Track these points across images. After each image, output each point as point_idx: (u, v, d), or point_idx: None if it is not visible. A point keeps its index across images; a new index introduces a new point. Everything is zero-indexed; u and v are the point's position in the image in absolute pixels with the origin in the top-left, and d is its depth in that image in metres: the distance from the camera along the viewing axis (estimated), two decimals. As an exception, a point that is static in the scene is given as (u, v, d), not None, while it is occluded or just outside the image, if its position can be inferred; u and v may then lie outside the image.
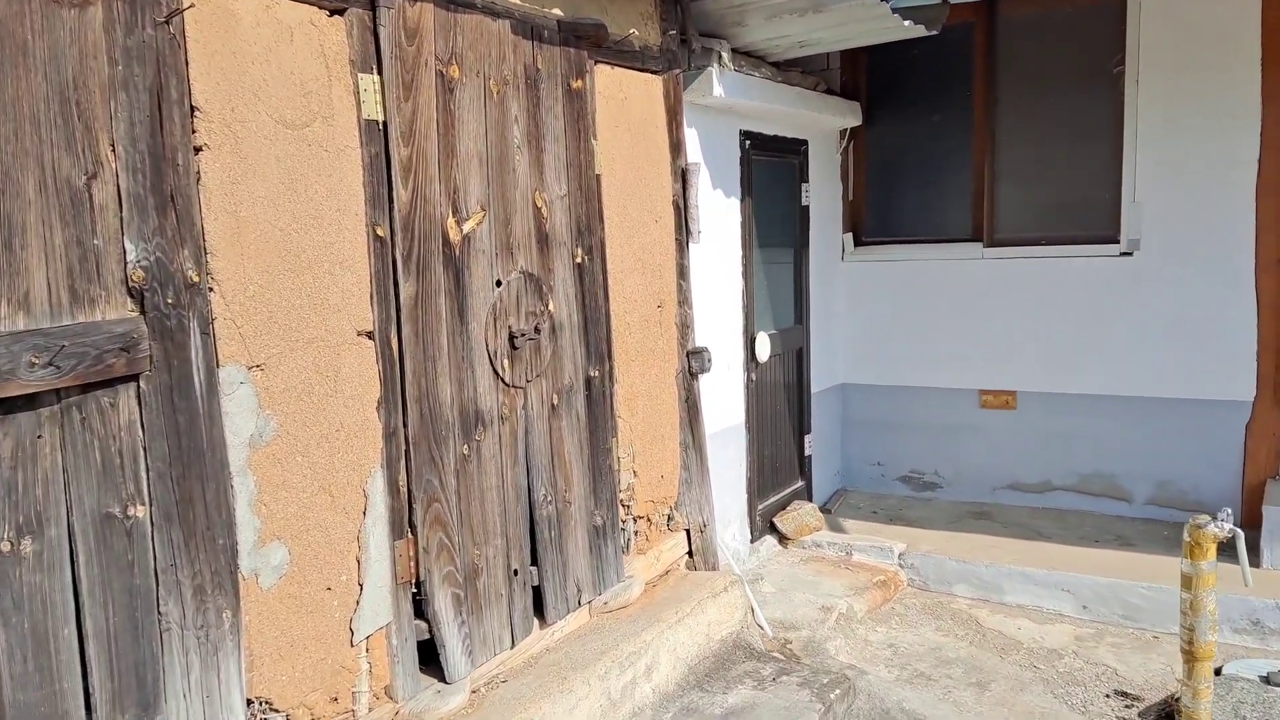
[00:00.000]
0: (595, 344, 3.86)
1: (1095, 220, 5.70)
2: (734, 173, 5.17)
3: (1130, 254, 5.56)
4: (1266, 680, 3.98)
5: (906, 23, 4.76)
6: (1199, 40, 5.25)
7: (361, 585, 2.89)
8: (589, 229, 3.82)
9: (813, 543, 5.65)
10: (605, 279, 3.92)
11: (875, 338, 6.36)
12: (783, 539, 5.65)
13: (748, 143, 5.26)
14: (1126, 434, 5.68)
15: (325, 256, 2.77)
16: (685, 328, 4.45)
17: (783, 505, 5.79)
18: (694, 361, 4.44)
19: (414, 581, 3.08)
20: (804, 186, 5.93)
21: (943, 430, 6.22)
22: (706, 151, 4.89)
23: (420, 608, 3.12)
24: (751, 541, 5.45)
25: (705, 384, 4.66)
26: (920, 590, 5.30)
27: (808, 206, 5.98)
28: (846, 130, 6.30)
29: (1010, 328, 5.92)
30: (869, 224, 6.45)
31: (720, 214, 5.04)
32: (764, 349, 5.43)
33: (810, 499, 6.08)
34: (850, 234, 6.43)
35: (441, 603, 3.15)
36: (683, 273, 4.44)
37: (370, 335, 2.92)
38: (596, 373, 3.86)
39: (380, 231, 2.94)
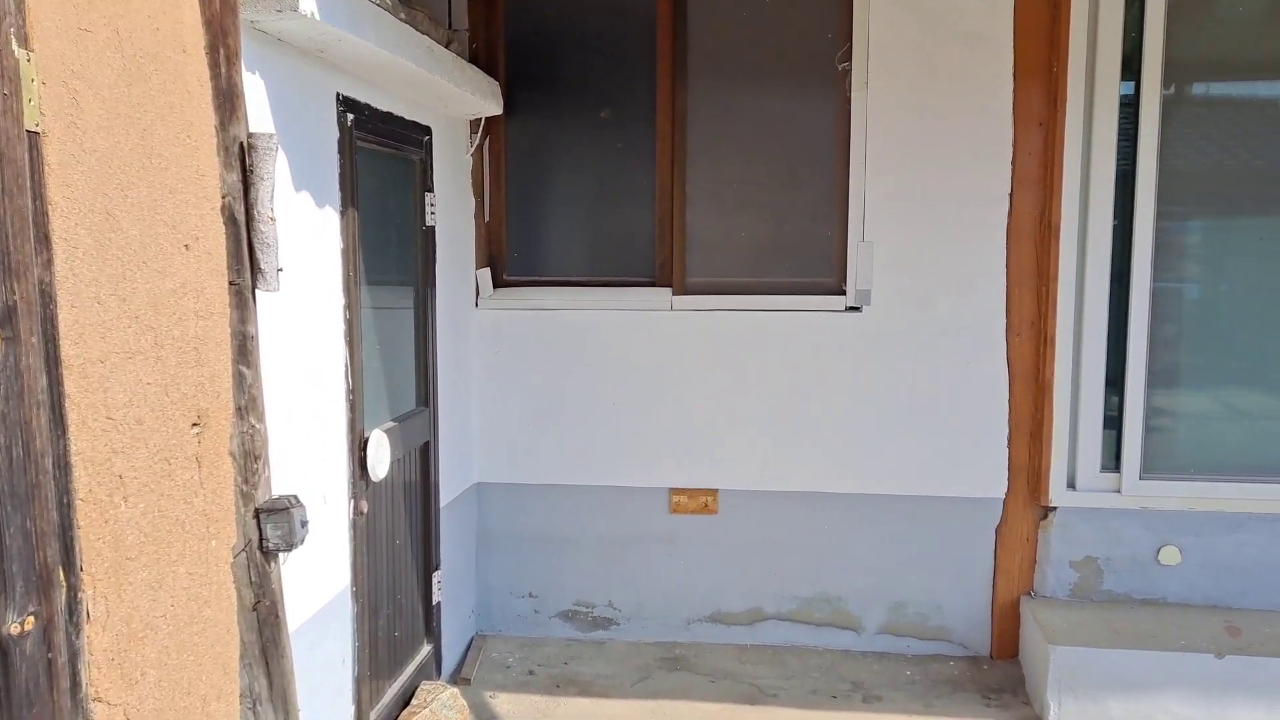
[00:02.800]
0: (22, 546, 1.55)
1: (817, 263, 4.35)
2: (330, 165, 3.03)
3: (859, 308, 4.26)
4: None
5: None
6: (944, 37, 4.09)
7: None
8: (3, 264, 1.51)
9: (457, 753, 3.62)
10: (56, 381, 1.62)
11: (523, 417, 4.49)
12: (409, 754, 3.55)
13: (350, 117, 3.14)
14: (853, 543, 4.37)
15: None
16: (252, 461, 2.22)
17: (406, 698, 3.67)
18: (272, 529, 2.23)
19: None
20: (428, 198, 3.90)
21: (620, 545, 4.50)
22: (283, 122, 2.71)
23: None
24: (362, 778, 3.28)
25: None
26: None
27: (434, 228, 3.96)
28: (480, 122, 4.37)
29: (709, 404, 4.37)
30: (513, 257, 4.57)
31: (309, 234, 2.87)
32: (382, 458, 3.31)
33: (439, 670, 4.03)
34: (487, 270, 4.51)
35: None
36: (245, 350, 2.21)
37: None
38: (30, 617, 1.55)
39: None
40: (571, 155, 4.48)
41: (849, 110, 4.22)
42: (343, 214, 3.08)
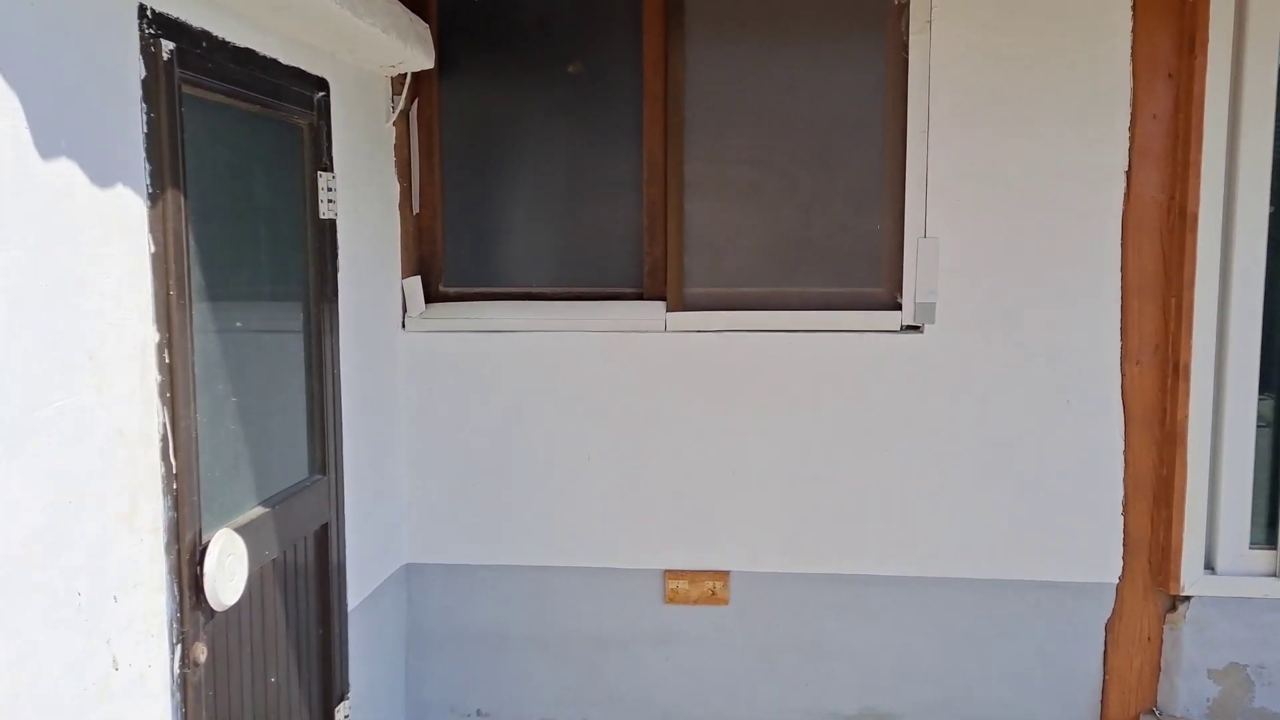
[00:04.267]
0: None
1: (861, 267, 3.24)
2: (128, 123, 1.87)
3: (919, 328, 3.16)
4: None
5: None
6: (1036, -41, 3.00)
7: None
8: None
9: None
10: None
11: (468, 476, 3.35)
12: None
13: (170, 48, 1.98)
14: (912, 644, 3.26)
15: None
16: None
17: None
18: None
19: None
20: (324, 180, 2.76)
21: (599, 647, 3.37)
22: (17, 48, 1.57)
23: None
24: None
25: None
26: None
27: (333, 221, 2.81)
28: (406, 79, 3.24)
29: (717, 457, 3.25)
30: (453, 262, 3.43)
31: (77, 233, 1.73)
32: (233, 572, 2.16)
33: (351, 838, 2.89)
34: (418, 279, 3.37)
35: None
36: None
37: None
38: None
39: None
40: (530, 125, 3.35)
41: (905, 60, 3.11)
42: (153, 198, 1.94)
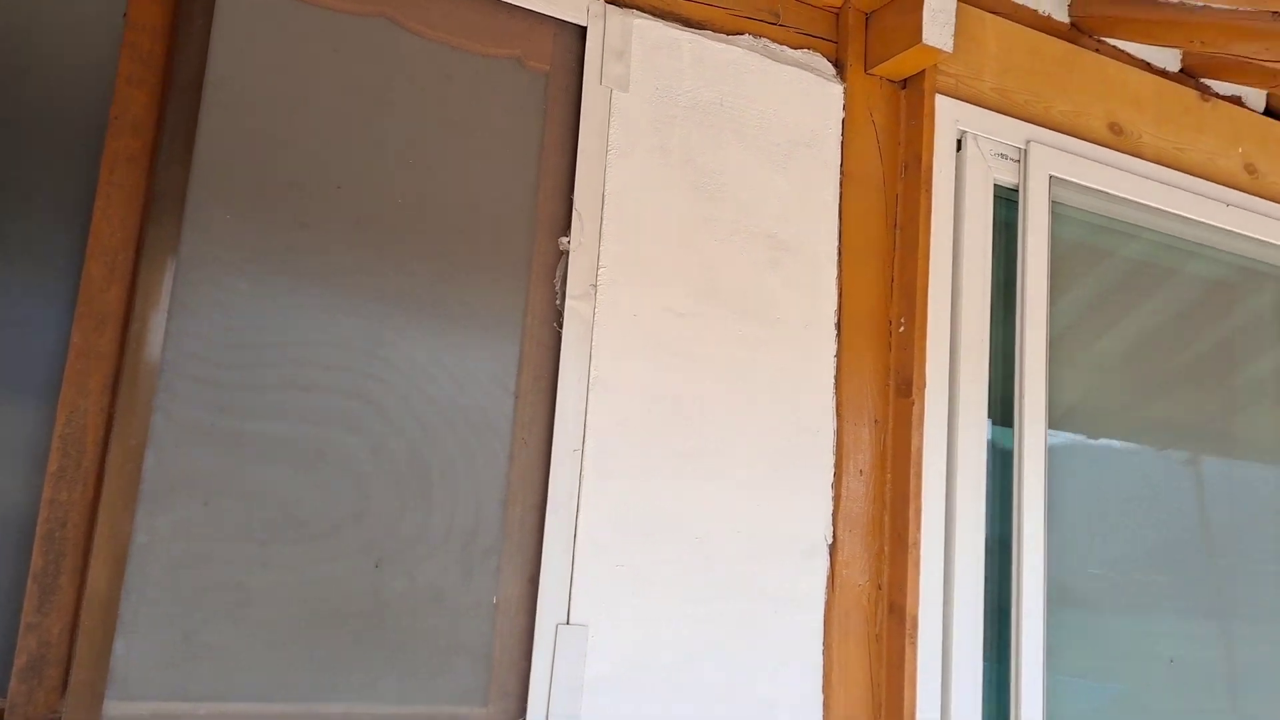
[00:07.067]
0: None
1: (452, 665, 1.84)
2: None
3: None
4: None
5: None
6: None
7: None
8: None
9: None
10: None
11: None
12: None
13: None
14: None
15: None
16: None
17: None
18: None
19: None
20: None
21: None
22: None
23: None
24: None
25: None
26: None
27: None
28: None
29: None
30: None
31: None
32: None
33: None
34: None
35: None
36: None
37: None
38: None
39: None
40: None
41: (558, 335, 1.98)
42: None
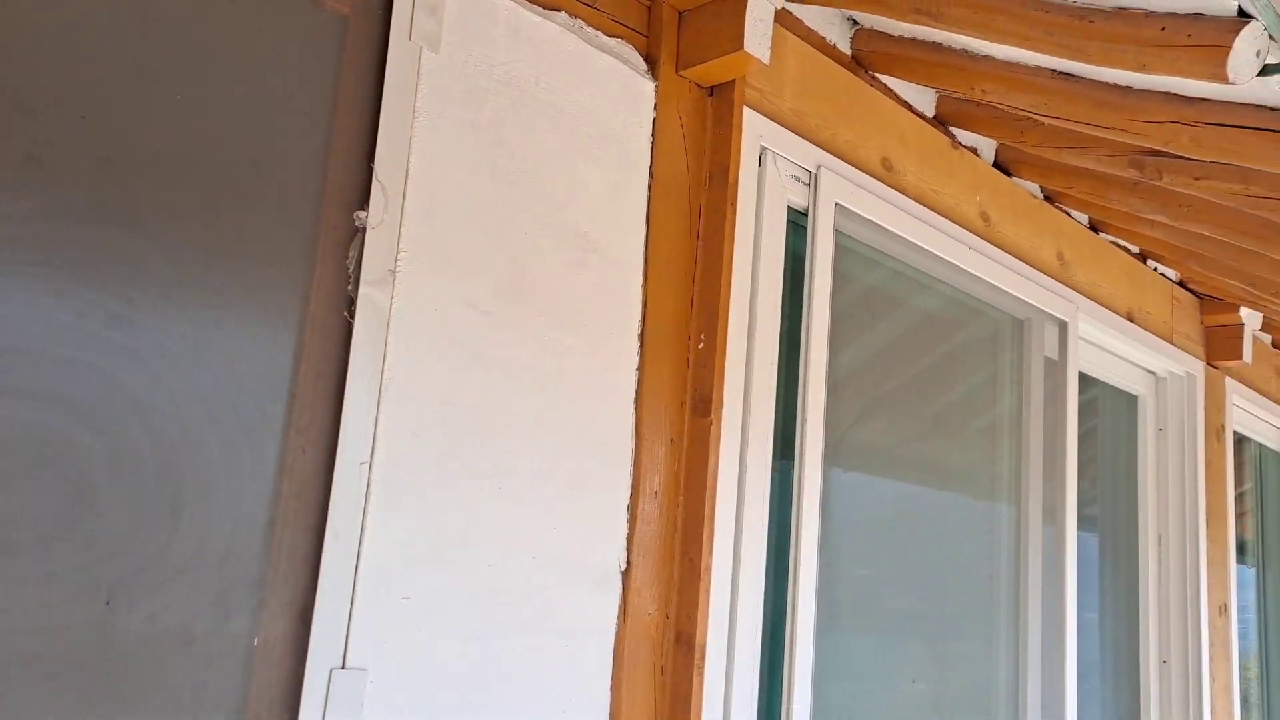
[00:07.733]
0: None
1: (202, 710, 1.49)
2: None
3: None
4: None
5: None
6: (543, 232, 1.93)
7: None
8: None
9: None
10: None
11: None
12: None
13: None
14: None
15: None
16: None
17: None
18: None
19: None
20: None
21: None
22: None
23: None
24: None
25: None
26: None
27: None
28: None
29: None
30: None
31: None
32: None
33: None
34: None
35: None
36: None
37: None
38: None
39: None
40: None
41: (349, 327, 1.67)
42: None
